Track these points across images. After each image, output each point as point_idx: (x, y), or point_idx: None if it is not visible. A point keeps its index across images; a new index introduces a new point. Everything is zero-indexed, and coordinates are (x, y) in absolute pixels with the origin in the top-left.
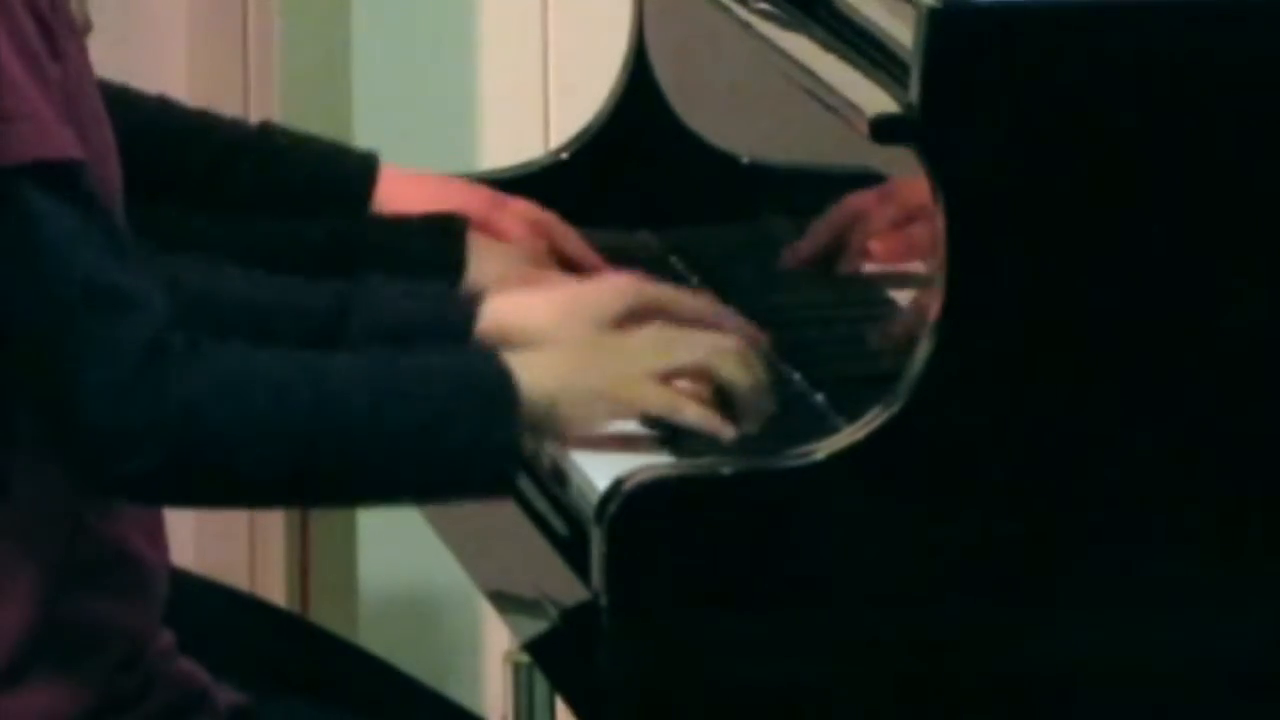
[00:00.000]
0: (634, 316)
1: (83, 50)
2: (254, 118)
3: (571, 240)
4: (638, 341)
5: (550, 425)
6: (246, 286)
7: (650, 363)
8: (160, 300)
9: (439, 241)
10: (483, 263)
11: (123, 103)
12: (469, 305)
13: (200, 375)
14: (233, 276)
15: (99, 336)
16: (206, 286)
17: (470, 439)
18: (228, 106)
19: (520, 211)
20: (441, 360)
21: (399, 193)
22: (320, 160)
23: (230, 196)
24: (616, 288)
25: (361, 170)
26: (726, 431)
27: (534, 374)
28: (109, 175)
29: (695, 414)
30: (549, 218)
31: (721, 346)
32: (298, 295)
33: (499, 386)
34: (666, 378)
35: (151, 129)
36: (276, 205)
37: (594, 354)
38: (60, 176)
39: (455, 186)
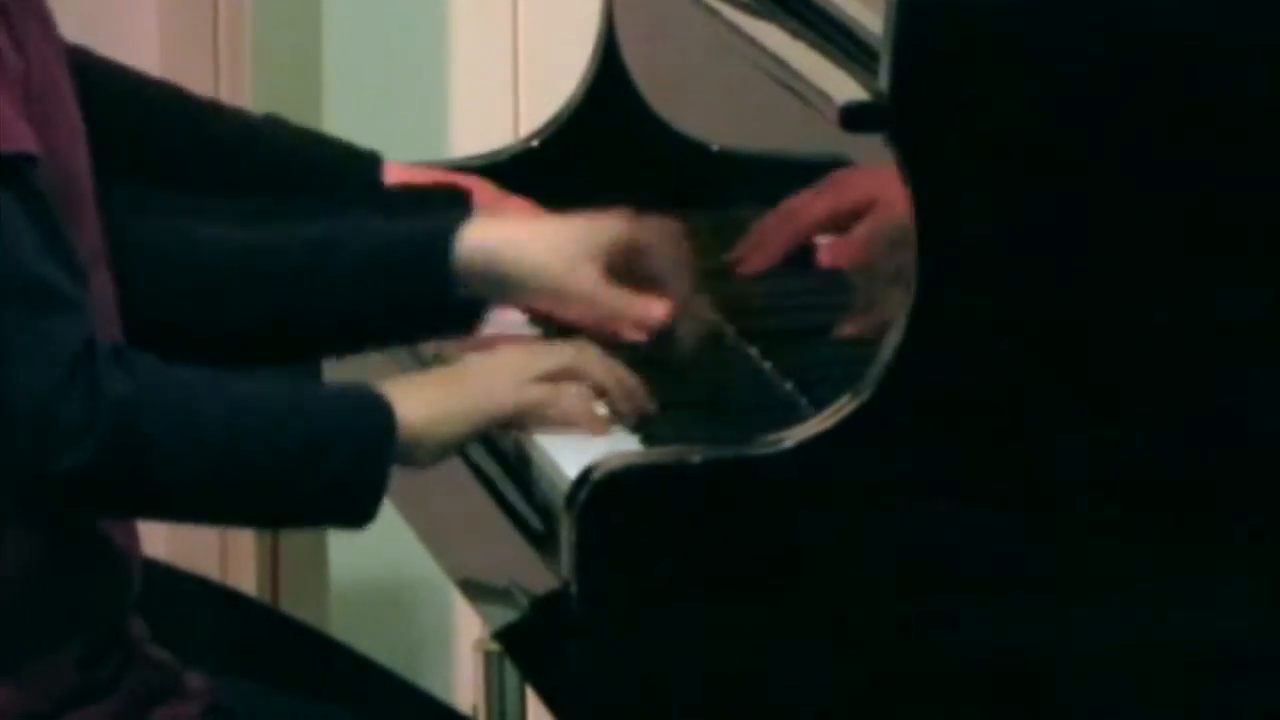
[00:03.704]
0: (618, 254)
1: (54, 42)
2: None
3: None
4: (503, 357)
5: (427, 450)
6: (225, 229)
7: (518, 371)
8: (93, 308)
9: (447, 206)
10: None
11: (137, 86)
12: (452, 226)
13: (129, 378)
14: (209, 225)
15: (34, 332)
16: (186, 233)
17: (345, 466)
18: None
19: (521, 206)
20: (327, 389)
21: (401, 177)
22: (329, 151)
23: (241, 184)
24: (605, 221)
25: (368, 164)
26: (598, 426)
27: (411, 403)
28: (74, 166)
29: (572, 403)
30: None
31: (584, 351)
32: (279, 233)
33: (377, 417)
34: (536, 382)
35: (167, 113)
36: (285, 193)
37: (465, 373)
38: (8, 170)
39: (457, 177)
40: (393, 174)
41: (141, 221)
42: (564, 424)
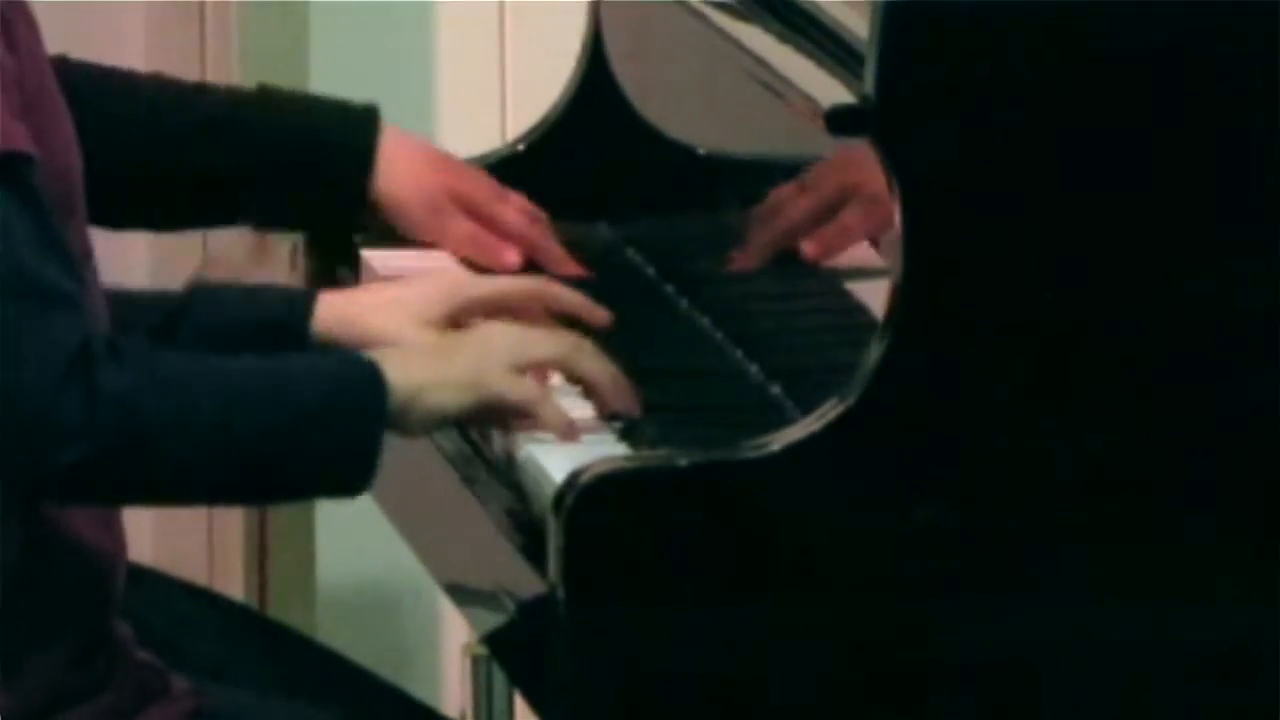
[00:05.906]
0: (462, 313)
1: (39, 40)
2: None
3: (553, 248)
4: (496, 335)
5: (416, 417)
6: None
7: (510, 355)
8: (89, 305)
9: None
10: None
11: (119, 85)
12: (304, 303)
13: (125, 372)
14: None
15: (32, 331)
16: None
17: (339, 438)
18: None
19: (519, 204)
20: (318, 361)
21: (401, 154)
22: (323, 114)
23: (233, 150)
24: (440, 287)
25: (364, 124)
26: (571, 435)
27: (401, 369)
28: (67, 164)
29: (552, 411)
30: (542, 215)
31: (577, 343)
32: (137, 293)
33: (369, 385)
34: (525, 370)
35: (152, 101)
36: (278, 158)
37: (456, 348)
38: (5, 169)
39: (459, 166)
40: (393, 141)
41: None
42: (538, 428)
